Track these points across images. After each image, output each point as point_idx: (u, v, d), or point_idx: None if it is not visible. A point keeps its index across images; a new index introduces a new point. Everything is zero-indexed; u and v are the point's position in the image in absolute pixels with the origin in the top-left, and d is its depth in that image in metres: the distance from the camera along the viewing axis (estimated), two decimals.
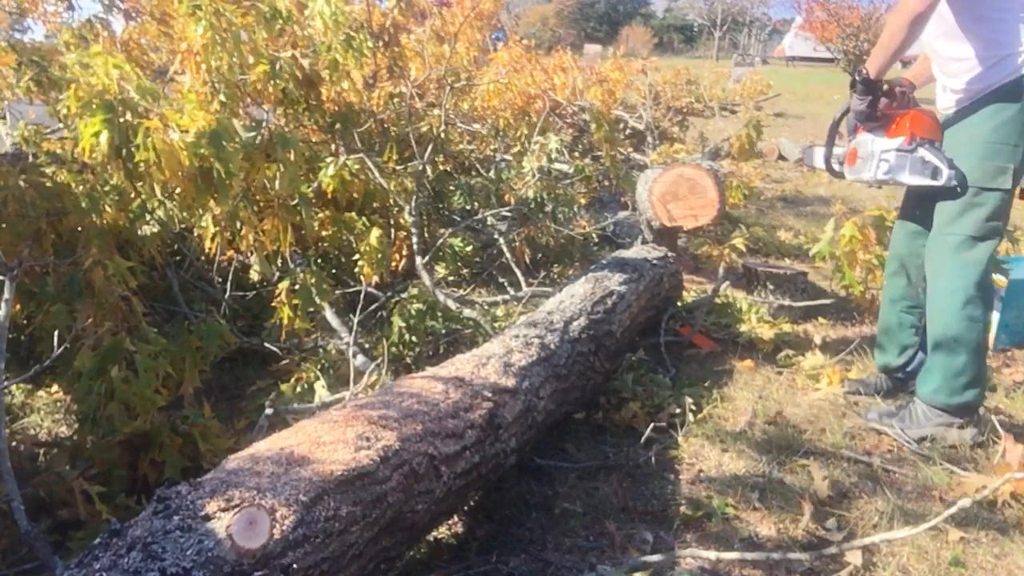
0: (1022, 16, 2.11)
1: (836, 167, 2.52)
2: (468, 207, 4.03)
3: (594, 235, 4.46)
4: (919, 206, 2.43)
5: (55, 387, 2.35)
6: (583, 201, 4.71)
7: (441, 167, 4.21)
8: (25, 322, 2.14)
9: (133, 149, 1.84)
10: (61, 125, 2.43)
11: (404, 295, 2.85)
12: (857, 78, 2.27)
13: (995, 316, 3.09)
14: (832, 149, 2.52)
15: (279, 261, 2.70)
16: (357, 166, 3.09)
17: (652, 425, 2.25)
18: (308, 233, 2.60)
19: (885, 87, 2.30)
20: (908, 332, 2.56)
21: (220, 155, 1.93)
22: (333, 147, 3.27)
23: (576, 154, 5.24)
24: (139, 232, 2.37)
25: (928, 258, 2.33)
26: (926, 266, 2.35)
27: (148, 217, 2.41)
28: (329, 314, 2.74)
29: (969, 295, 2.20)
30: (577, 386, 2.28)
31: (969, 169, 2.18)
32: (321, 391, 2.36)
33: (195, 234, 2.61)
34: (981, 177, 2.17)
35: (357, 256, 2.74)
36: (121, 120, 1.83)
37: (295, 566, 1.13)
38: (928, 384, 2.31)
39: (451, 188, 4.07)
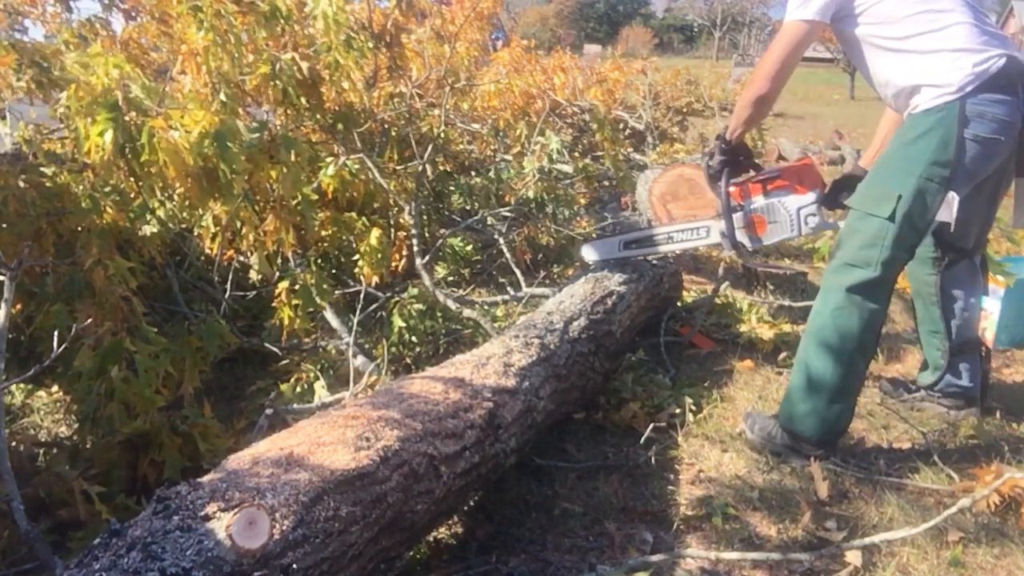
0: (925, 50, 1.98)
1: (746, 242, 2.46)
2: (468, 207, 4.03)
3: (594, 235, 4.45)
4: None
5: (55, 387, 2.35)
6: (583, 201, 4.72)
7: (441, 167, 4.21)
8: (25, 322, 2.14)
9: (138, 148, 1.84)
10: (61, 125, 2.42)
11: (404, 295, 2.85)
12: (720, 140, 2.34)
13: (995, 316, 3.09)
14: (732, 224, 2.43)
15: (279, 261, 2.70)
16: (357, 166, 3.09)
17: (652, 425, 2.24)
18: (308, 233, 2.61)
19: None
20: (936, 354, 2.47)
21: (225, 155, 1.93)
22: (334, 147, 3.27)
23: (576, 154, 5.24)
24: (139, 232, 2.37)
25: None
26: None
27: (148, 217, 2.41)
28: (329, 314, 2.74)
29: (823, 322, 2.07)
30: (577, 386, 2.28)
31: (858, 191, 2.11)
32: (321, 391, 2.36)
33: (195, 234, 2.61)
34: (862, 200, 2.07)
35: (357, 256, 2.74)
36: (125, 119, 1.83)
37: (295, 566, 1.13)
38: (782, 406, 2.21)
39: (451, 188, 4.07)
